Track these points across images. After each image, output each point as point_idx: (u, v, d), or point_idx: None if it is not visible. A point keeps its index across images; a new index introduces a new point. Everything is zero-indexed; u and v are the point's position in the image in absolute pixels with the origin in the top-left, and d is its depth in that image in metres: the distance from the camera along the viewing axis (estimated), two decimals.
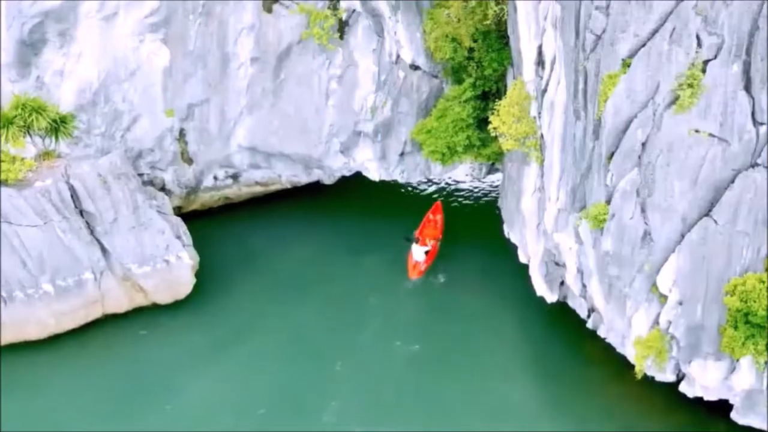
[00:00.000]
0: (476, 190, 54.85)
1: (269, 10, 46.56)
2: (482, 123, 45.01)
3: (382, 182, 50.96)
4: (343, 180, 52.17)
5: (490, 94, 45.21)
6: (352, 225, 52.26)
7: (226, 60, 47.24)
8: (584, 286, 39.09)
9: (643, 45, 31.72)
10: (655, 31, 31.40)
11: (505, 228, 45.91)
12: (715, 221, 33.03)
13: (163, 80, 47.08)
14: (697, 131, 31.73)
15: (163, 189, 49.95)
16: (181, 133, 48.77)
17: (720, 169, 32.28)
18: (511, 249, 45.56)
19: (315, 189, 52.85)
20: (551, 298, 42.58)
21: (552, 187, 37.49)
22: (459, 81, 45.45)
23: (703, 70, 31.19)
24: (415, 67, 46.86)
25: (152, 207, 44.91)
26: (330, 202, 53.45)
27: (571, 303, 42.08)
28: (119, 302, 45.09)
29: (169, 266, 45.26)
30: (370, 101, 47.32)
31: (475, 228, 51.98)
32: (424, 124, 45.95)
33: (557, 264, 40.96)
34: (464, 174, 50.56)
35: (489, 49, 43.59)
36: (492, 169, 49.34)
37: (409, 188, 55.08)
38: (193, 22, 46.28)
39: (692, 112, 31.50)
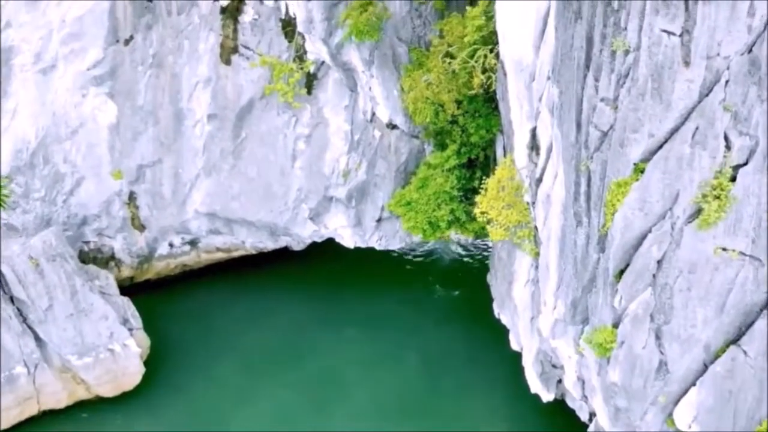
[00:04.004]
0: (465, 254, 49.41)
1: (227, 62, 41.28)
2: (469, 193, 39.49)
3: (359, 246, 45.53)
4: (316, 242, 46.63)
5: (477, 161, 39.64)
6: (328, 293, 47.13)
7: (180, 116, 42.36)
8: (586, 396, 33.71)
9: (660, 147, 26.39)
10: (674, 131, 26.09)
11: (495, 307, 40.62)
12: (745, 352, 27.77)
13: (109, 138, 42.24)
14: (724, 249, 26.49)
15: (112, 258, 44.81)
16: (131, 197, 43.83)
17: (752, 293, 26.97)
18: (501, 329, 40.06)
19: (284, 253, 47.35)
20: (547, 397, 37.52)
21: (548, 294, 32.10)
22: (442, 146, 40.04)
23: (733, 178, 25.90)
24: (392, 126, 41.51)
25: (94, 289, 39.97)
26: (302, 267, 48.23)
27: (570, 403, 36.90)
28: (57, 397, 40.25)
29: (114, 356, 40.38)
30: (343, 163, 42.11)
31: (463, 298, 46.61)
32: (403, 195, 40.51)
33: (554, 366, 35.56)
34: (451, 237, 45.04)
35: (475, 113, 38.08)
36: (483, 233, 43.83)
37: (389, 250, 49.49)
38: (142, 74, 41.48)
39: (719, 228, 26.26)
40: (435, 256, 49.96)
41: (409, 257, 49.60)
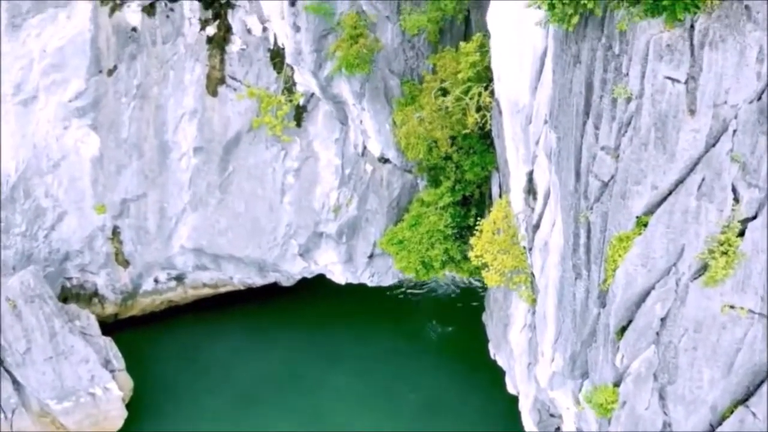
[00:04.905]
0: (461, 287, 47.98)
1: (214, 93, 39.93)
2: (464, 231, 38.04)
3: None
4: (306, 277, 45.24)
5: (472, 198, 38.19)
6: (318, 329, 45.79)
7: (166, 149, 40.97)
8: None
9: (664, 200, 24.92)
10: (679, 183, 24.65)
11: (491, 348, 39.13)
12: (754, 413, 26.33)
13: (92, 172, 40.87)
14: (732, 307, 25.02)
15: (95, 295, 43.51)
16: (115, 232, 42.44)
17: (761, 353, 25.55)
18: (498, 369, 38.58)
19: (274, 288, 45.90)
20: None
21: (546, 345, 30.66)
22: (436, 181, 38.58)
23: (741, 233, 24.37)
24: (384, 161, 40.08)
25: (74, 331, 38.72)
26: (292, 302, 46.81)
27: None
28: None
29: (94, 399, 39.21)
30: (333, 198, 40.72)
31: (458, 335, 45.23)
32: (395, 233, 39.05)
33: (552, 415, 34.08)
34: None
35: (470, 150, 36.66)
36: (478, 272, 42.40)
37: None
38: (126, 105, 40.10)
39: (726, 285, 24.75)
40: (429, 290, 48.50)
41: (403, 290, 48.14)
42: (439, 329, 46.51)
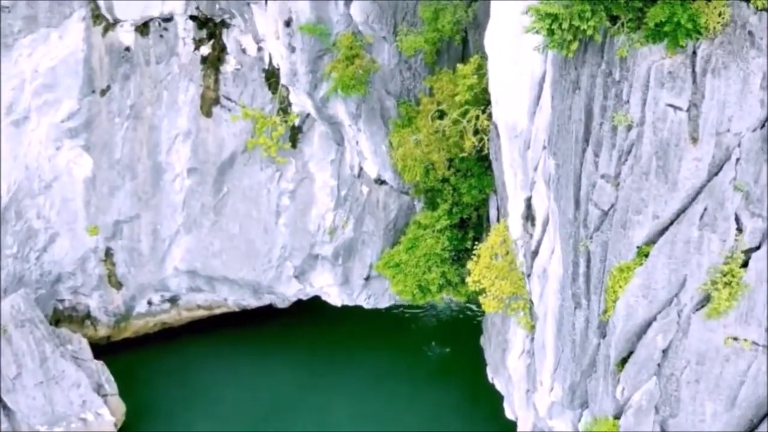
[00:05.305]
0: (458, 307, 47.36)
1: (208, 114, 39.40)
2: (461, 254, 37.48)
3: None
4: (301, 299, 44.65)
5: (469, 221, 37.63)
6: (315, 351, 45.13)
7: (159, 170, 40.42)
8: None
9: (665, 229, 24.43)
10: (681, 212, 24.18)
11: (489, 372, 38.60)
12: None
13: (84, 193, 40.34)
14: (735, 339, 24.47)
15: (87, 317, 42.94)
16: (108, 254, 41.84)
17: (764, 386, 25.05)
18: (496, 392, 37.95)
19: (269, 309, 45.29)
20: None
21: (545, 374, 30.11)
22: (433, 204, 38.03)
23: (744, 263, 23.75)
24: (381, 182, 39.54)
25: (65, 355, 38.21)
26: (287, 324, 46.13)
27: None
28: None
29: (86, 425, 38.72)
30: (329, 220, 40.15)
31: (456, 357, 44.58)
32: (392, 256, 38.47)
33: None
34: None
35: (467, 173, 36.12)
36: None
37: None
38: (119, 126, 39.59)
39: (729, 316, 24.19)
40: (428, 309, 47.87)
41: (400, 310, 47.53)
42: (438, 350, 45.84)
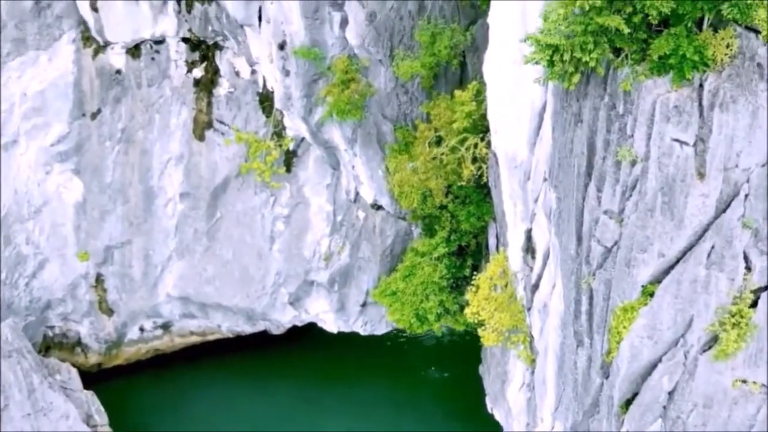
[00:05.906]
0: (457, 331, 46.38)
1: (201, 138, 38.61)
2: (459, 282, 36.62)
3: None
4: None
5: (468, 249, 36.77)
6: (311, 378, 44.31)
7: (151, 195, 39.73)
8: None
9: (671, 268, 23.62)
10: (687, 251, 23.37)
11: (488, 402, 37.72)
12: None
13: (75, 218, 39.68)
14: (744, 382, 23.57)
15: (78, 344, 42.11)
16: (98, 280, 41.09)
17: None
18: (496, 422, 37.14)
19: (264, 335, 44.40)
20: None
21: (546, 412, 29.25)
22: (430, 231, 37.21)
23: (753, 303, 22.83)
24: (377, 207, 38.68)
25: (54, 386, 37.29)
26: (283, 350, 45.21)
27: None
28: None
29: None
30: (324, 246, 39.39)
31: (454, 382, 43.70)
32: (389, 284, 37.65)
33: None
34: None
35: (466, 200, 35.28)
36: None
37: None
38: (110, 149, 38.93)
39: (738, 358, 23.34)
40: (425, 336, 46.91)
41: (398, 335, 46.62)
42: (437, 375, 44.95)
